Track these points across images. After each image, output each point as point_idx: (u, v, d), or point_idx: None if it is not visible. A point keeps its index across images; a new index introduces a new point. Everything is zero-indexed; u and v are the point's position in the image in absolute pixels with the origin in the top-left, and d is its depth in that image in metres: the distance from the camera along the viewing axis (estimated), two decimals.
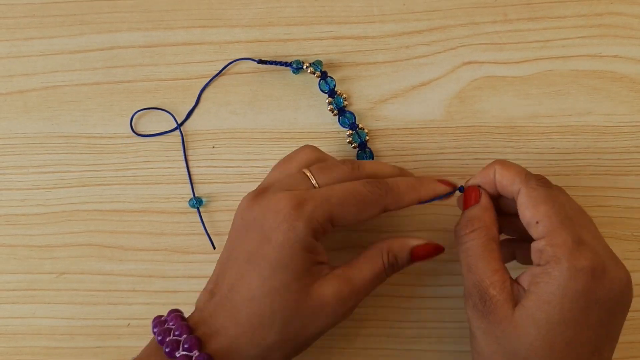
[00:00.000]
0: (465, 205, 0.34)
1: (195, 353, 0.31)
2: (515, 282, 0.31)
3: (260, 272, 0.32)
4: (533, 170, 0.40)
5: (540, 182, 0.32)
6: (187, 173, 0.41)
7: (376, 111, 0.41)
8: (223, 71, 0.41)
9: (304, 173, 0.34)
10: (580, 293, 0.29)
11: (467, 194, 0.34)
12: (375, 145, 0.41)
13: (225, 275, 0.33)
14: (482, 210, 0.33)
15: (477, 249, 0.32)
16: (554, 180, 0.40)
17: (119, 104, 0.41)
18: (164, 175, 0.41)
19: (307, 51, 0.41)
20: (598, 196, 0.40)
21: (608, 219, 0.40)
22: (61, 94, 0.42)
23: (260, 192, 0.33)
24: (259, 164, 0.41)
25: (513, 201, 0.33)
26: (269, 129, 0.41)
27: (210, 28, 0.41)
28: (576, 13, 0.41)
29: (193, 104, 0.41)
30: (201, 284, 0.41)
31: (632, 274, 0.40)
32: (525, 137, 0.40)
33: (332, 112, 0.41)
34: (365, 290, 0.34)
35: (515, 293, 0.30)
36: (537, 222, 0.30)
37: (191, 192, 0.41)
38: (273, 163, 0.40)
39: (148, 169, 0.41)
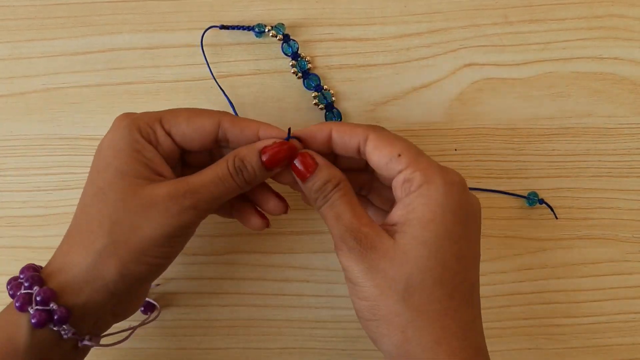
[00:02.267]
0: (308, 170, 0.33)
1: (36, 289, 0.30)
2: (381, 225, 0.31)
3: (91, 178, 0.32)
4: (533, 173, 0.41)
5: (380, 127, 0.33)
6: None
7: (377, 113, 0.41)
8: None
9: None
10: (458, 206, 0.30)
11: (305, 162, 0.33)
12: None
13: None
14: (331, 168, 0.33)
15: (342, 199, 0.32)
16: (555, 183, 0.41)
17: (120, 106, 0.41)
18: None
19: (309, 53, 0.41)
20: (598, 198, 0.41)
21: (608, 221, 0.40)
22: (62, 95, 0.42)
23: None
24: None
25: (349, 158, 0.34)
26: None
27: (211, 30, 0.41)
28: (577, 15, 0.41)
29: (194, 105, 0.41)
30: (202, 286, 0.41)
31: (633, 276, 0.40)
32: (526, 139, 0.41)
33: (296, 76, 0.41)
34: (206, 191, 0.32)
35: (386, 230, 0.31)
36: (400, 155, 0.31)
37: None
38: None
39: None
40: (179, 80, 0.41)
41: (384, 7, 0.41)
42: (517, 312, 0.41)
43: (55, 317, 0.30)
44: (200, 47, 0.41)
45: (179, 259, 0.41)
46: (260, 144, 0.33)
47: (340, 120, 0.40)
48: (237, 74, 0.41)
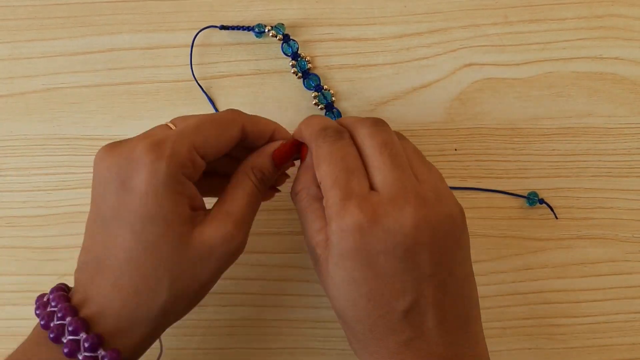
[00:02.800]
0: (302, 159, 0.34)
1: (83, 335, 0.28)
2: None
3: (132, 228, 0.29)
4: (533, 172, 0.40)
5: (327, 137, 0.31)
6: None
7: (377, 113, 0.41)
8: (195, 42, 0.41)
9: (165, 123, 0.33)
10: (354, 251, 0.28)
11: (301, 154, 0.34)
12: None
13: (96, 240, 0.30)
14: (304, 171, 0.33)
15: (303, 210, 0.32)
16: (555, 183, 0.40)
17: (120, 106, 0.41)
18: None
19: (309, 53, 0.41)
20: (598, 198, 0.41)
21: (609, 221, 0.40)
22: (62, 95, 0.42)
23: (115, 144, 0.31)
24: None
25: None
26: None
27: (211, 30, 0.41)
28: (577, 15, 0.41)
29: (194, 105, 0.41)
30: None
31: (633, 276, 0.40)
32: (526, 139, 0.41)
33: (296, 75, 0.41)
34: (248, 217, 0.32)
35: None
36: (320, 183, 0.30)
37: None
38: None
39: None
40: (179, 80, 0.41)
41: (384, 7, 0.41)
42: (517, 312, 0.41)
43: None
44: (190, 47, 0.41)
45: None
46: (269, 148, 0.33)
47: None
48: (237, 74, 0.41)
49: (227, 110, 0.33)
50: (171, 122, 0.33)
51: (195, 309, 0.41)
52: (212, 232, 0.30)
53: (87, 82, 0.42)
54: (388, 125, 0.32)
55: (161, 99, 0.41)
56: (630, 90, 0.41)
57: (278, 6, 0.41)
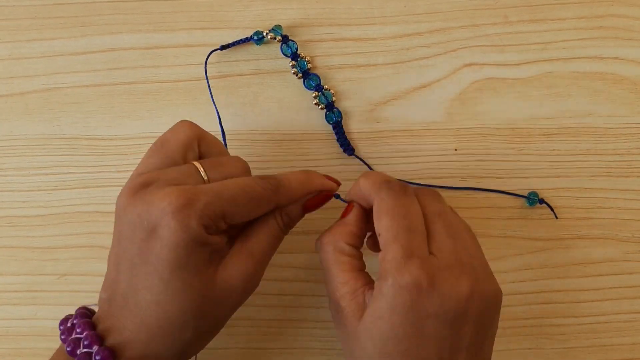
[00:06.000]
0: (344, 213, 0.34)
1: (95, 348, 0.30)
2: (370, 289, 0.31)
3: (160, 275, 0.30)
4: (534, 172, 0.41)
5: (392, 191, 0.31)
6: None
7: (377, 113, 0.41)
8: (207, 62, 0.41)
9: (194, 166, 0.32)
10: (407, 308, 0.29)
11: (345, 210, 0.34)
12: (376, 147, 0.41)
13: (121, 278, 0.31)
14: (340, 226, 0.33)
15: (327, 262, 0.33)
16: (555, 183, 0.40)
17: (120, 106, 0.41)
18: None
19: (308, 53, 0.41)
20: (598, 198, 0.41)
21: (608, 221, 0.40)
22: (62, 95, 0.42)
23: (143, 187, 0.30)
24: (260, 166, 0.41)
25: None
26: (270, 131, 0.41)
27: (211, 30, 0.42)
28: (577, 15, 0.41)
29: (194, 105, 0.41)
30: None
31: (633, 276, 0.40)
32: (526, 139, 0.41)
33: (297, 76, 0.41)
34: (268, 257, 0.33)
35: (367, 302, 0.31)
36: (379, 235, 0.31)
37: None
38: (274, 164, 0.40)
39: None
40: (179, 80, 0.41)
41: (383, 7, 0.41)
42: (517, 312, 0.41)
43: None
44: (204, 69, 0.41)
45: None
46: (303, 200, 0.34)
47: (341, 119, 0.40)
48: (237, 74, 0.41)
49: (264, 181, 0.32)
50: (202, 165, 0.32)
51: None
52: (234, 272, 0.31)
53: (87, 82, 0.42)
54: (443, 198, 0.33)
55: (161, 99, 0.41)
56: (630, 90, 0.41)
57: (278, 6, 0.41)
